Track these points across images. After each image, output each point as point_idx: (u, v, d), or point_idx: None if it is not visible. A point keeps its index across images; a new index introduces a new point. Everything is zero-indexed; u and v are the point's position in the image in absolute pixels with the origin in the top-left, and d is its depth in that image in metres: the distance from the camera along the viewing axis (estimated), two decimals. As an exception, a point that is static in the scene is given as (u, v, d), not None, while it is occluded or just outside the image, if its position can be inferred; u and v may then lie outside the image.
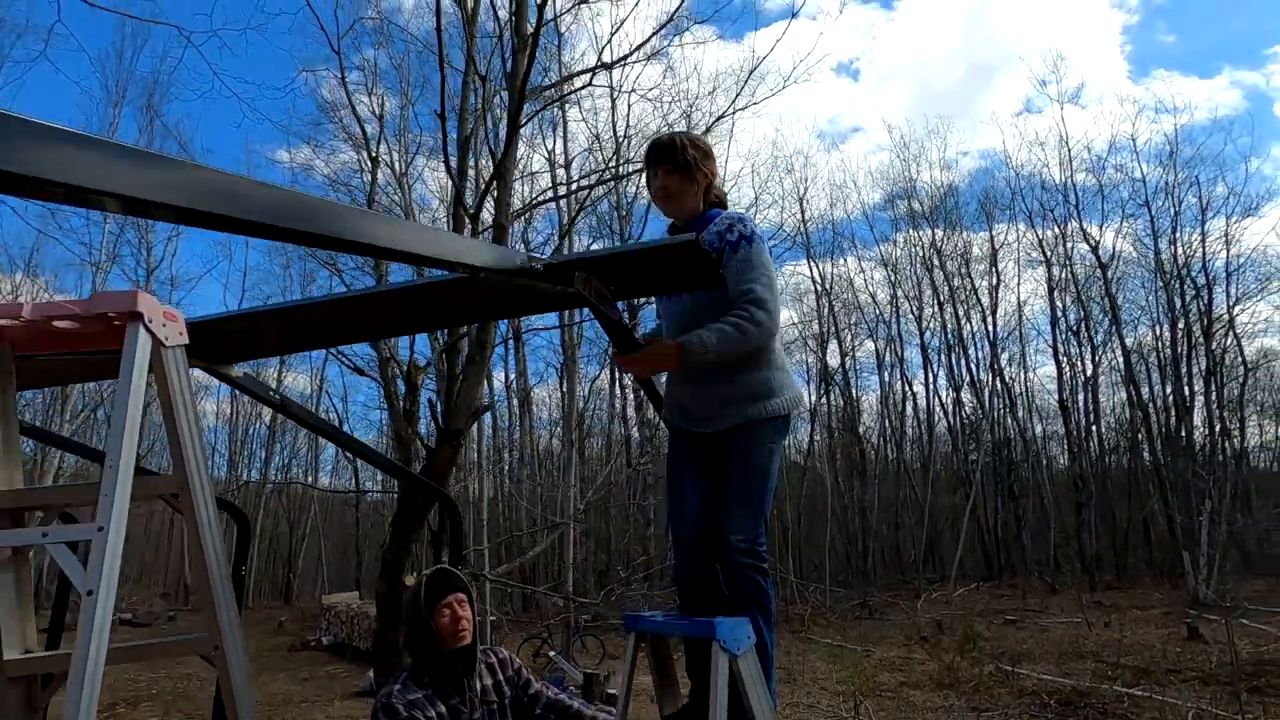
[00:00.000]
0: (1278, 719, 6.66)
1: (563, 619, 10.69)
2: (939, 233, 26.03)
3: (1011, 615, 14.39)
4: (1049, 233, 24.04)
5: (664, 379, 2.27)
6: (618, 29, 12.80)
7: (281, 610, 24.31)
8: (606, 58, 6.27)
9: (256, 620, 22.74)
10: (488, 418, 24.72)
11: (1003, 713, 7.46)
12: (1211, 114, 41.55)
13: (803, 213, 26.08)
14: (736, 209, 2.21)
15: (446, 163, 5.47)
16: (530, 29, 5.22)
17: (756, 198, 25.28)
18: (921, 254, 26.23)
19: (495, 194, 5.26)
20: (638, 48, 6.29)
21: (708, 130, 9.36)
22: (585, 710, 2.13)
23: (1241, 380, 20.84)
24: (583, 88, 7.58)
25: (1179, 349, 20.92)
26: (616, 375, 21.36)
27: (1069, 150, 23.32)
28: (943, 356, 26.38)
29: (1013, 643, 11.35)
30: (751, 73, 8.60)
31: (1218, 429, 19.94)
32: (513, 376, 23.12)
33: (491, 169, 5.41)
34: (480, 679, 2.07)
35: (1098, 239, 22.69)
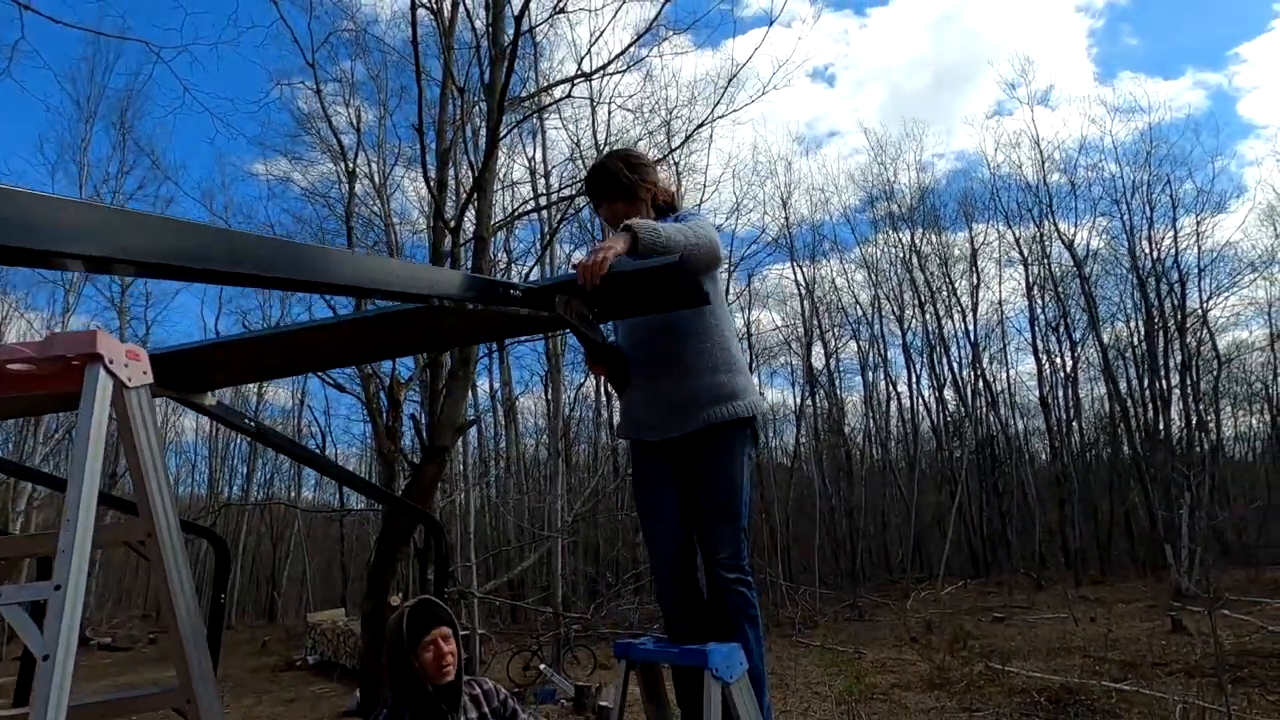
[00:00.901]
0: (1262, 709, 6.74)
1: (553, 633, 10.59)
2: (918, 233, 26.32)
3: (999, 612, 14.48)
4: (1026, 232, 24.40)
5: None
6: (596, 39, 12.74)
7: (266, 629, 23.93)
8: (586, 67, 6.25)
9: (240, 641, 22.35)
10: (473, 428, 24.56)
11: (994, 712, 7.48)
12: (1176, 113, 42.50)
13: (786, 217, 26.25)
14: (689, 207, 2.20)
15: (425, 177, 5.42)
16: (508, 40, 5.18)
17: (739, 203, 25.38)
18: (902, 254, 26.49)
19: (476, 206, 5.20)
20: (616, 57, 6.27)
21: (688, 138, 9.35)
22: None
23: (1215, 373, 21.22)
24: (563, 98, 7.56)
25: (1155, 344, 21.27)
26: (603, 382, 21.30)
27: (1041, 151, 23.69)
28: (924, 356, 26.64)
29: (1001, 640, 11.42)
30: (731, 80, 8.61)
31: (1194, 422, 20.24)
32: (497, 385, 23.01)
33: (471, 180, 5.36)
34: (465, 713, 2.01)
35: (1073, 237, 23.05)
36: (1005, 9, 44.10)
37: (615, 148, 3.04)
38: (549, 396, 18.44)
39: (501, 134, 4.99)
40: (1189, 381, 19.70)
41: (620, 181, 2.03)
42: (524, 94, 6.99)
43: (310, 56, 6.72)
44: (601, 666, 12.48)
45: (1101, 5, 42.41)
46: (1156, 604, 13.01)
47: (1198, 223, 20.83)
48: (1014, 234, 24.63)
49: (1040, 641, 11.03)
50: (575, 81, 6.22)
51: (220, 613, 3.28)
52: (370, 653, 4.79)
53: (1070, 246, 22.75)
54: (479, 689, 2.10)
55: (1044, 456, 26.69)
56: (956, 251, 26.60)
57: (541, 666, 11.04)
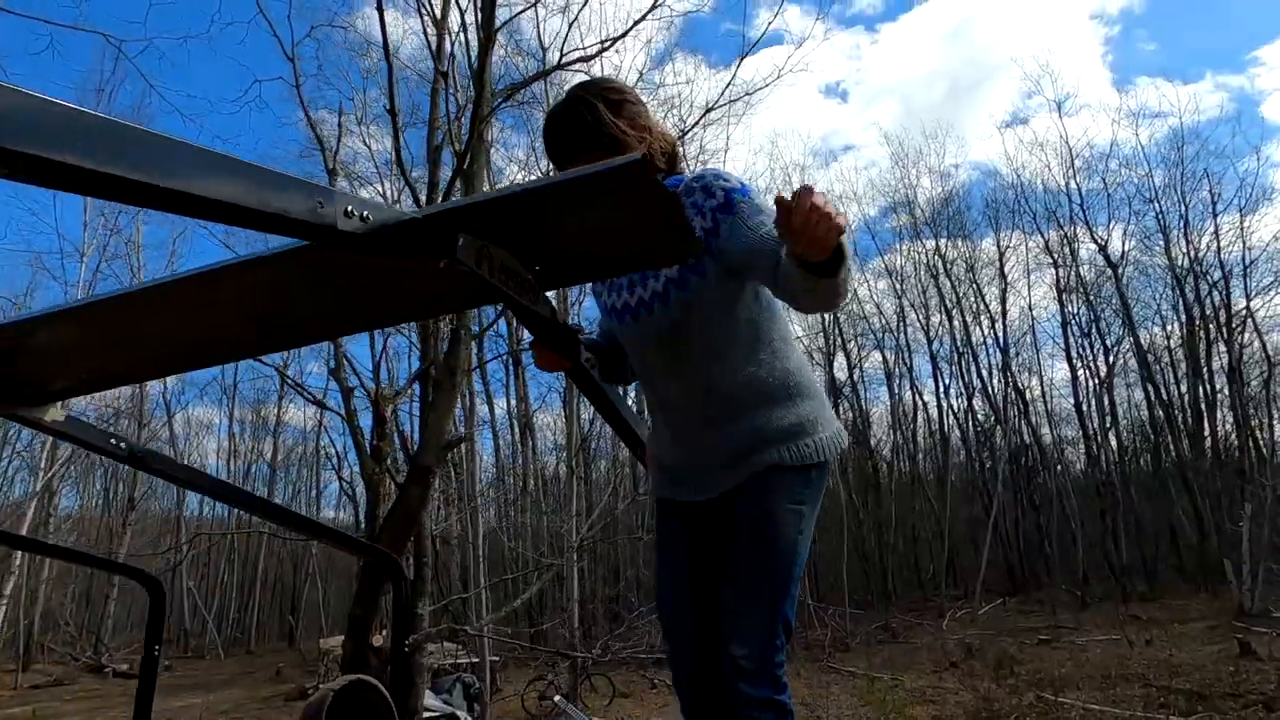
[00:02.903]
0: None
1: (569, 663, 10.02)
2: (942, 240, 25.59)
3: (1044, 634, 13.62)
4: (1054, 235, 23.56)
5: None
6: (576, 16, 12.32)
7: (284, 654, 23.58)
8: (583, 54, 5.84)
9: (258, 666, 22.03)
10: (488, 445, 24.16)
11: (1051, 752, 6.77)
12: (1201, 115, 41.58)
13: (803, 225, 25.67)
14: (703, 171, 1.47)
15: (398, 158, 5.00)
16: (498, 24, 4.79)
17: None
18: (926, 260, 25.75)
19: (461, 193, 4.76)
20: (616, 39, 5.86)
21: (697, 123, 8.77)
22: None
23: (1265, 376, 20.14)
24: (553, 68, 6.97)
25: (1196, 346, 20.28)
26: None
27: (1070, 148, 22.91)
28: (952, 365, 25.79)
29: (1050, 665, 10.61)
30: (742, 58, 8.05)
31: (1243, 426, 19.15)
32: (513, 403, 22.60)
33: (454, 169, 4.95)
34: None
35: (1105, 239, 22.19)
36: (1018, 19, 43.59)
37: (584, 80, 1.77)
38: (566, 413, 17.99)
39: (485, 113, 4.54)
40: (1236, 384, 18.66)
41: (602, 130, 1.37)
42: (518, 82, 6.60)
43: (290, 52, 6.39)
44: (621, 695, 11.86)
45: (1116, 12, 41.78)
46: (1218, 624, 12.09)
47: (1241, 217, 19.88)
48: (1043, 237, 23.82)
49: (1093, 667, 10.21)
50: (569, 66, 5.81)
51: (153, 666, 2.82)
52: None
53: (1104, 248, 21.89)
54: None
55: (1079, 466, 25.62)
56: (983, 257, 25.83)
57: (556, 698, 10.45)
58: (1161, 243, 21.09)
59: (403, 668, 2.22)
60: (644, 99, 1.54)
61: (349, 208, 0.72)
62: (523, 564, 13.86)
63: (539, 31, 10.98)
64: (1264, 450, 19.86)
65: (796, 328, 28.00)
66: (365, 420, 6.28)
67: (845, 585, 19.45)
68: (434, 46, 5.56)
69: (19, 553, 16.94)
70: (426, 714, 10.03)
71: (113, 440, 1.61)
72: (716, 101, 8.08)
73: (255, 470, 34.18)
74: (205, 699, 15.37)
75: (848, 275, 1.17)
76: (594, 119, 1.38)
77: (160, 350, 1.42)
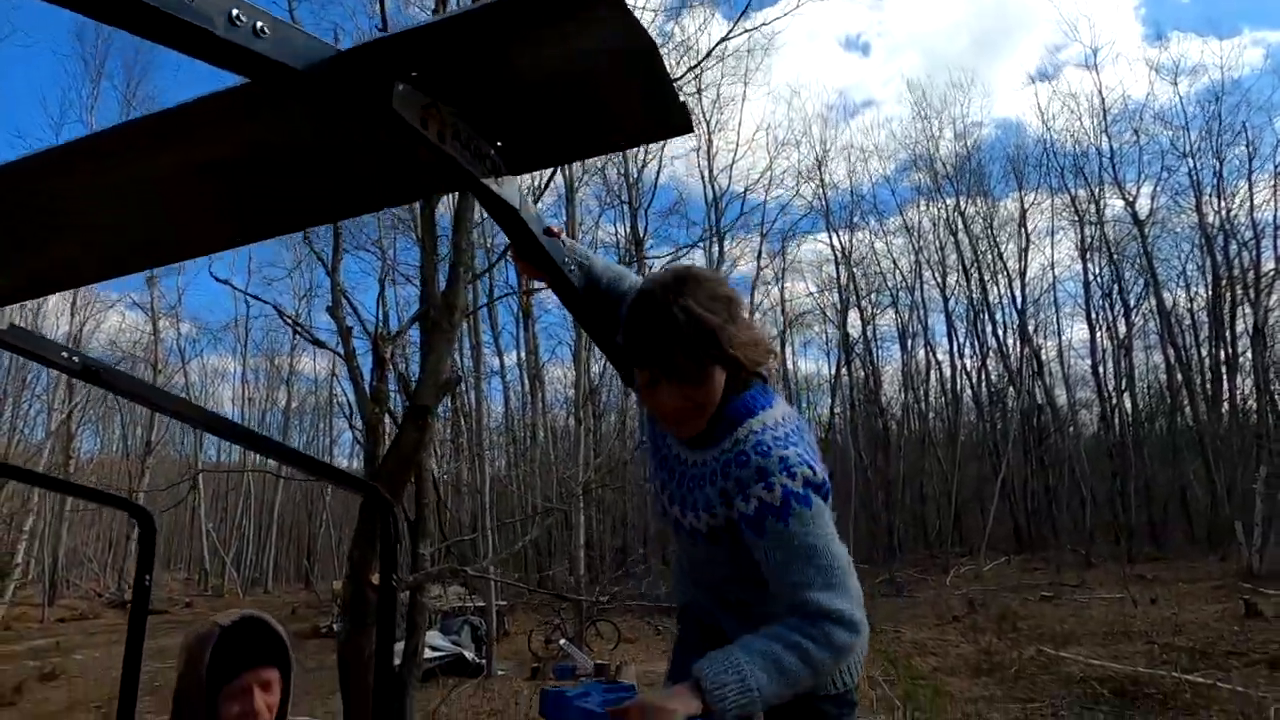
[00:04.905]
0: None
1: (574, 608, 10.17)
2: (963, 197, 24.90)
3: (1047, 591, 13.65)
4: (1081, 192, 22.85)
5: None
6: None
7: (299, 595, 24.26)
8: None
9: (274, 606, 22.67)
10: (498, 396, 24.26)
11: (1050, 704, 6.80)
12: (1240, 70, 39.63)
13: (821, 178, 25.08)
14: (768, 418, 1.20)
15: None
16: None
17: (771, 162, 24.31)
18: (945, 217, 25.13)
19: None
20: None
21: (707, 56, 8.26)
22: None
23: (1291, 339, 19.68)
24: None
25: (1221, 307, 19.79)
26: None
27: (1103, 98, 22.02)
28: (968, 324, 25.40)
29: (1052, 622, 10.65)
30: None
31: (1264, 391, 18.79)
32: (523, 355, 22.58)
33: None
34: None
35: (1134, 195, 21.49)
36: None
37: (678, 268, 1.23)
38: (576, 366, 17.92)
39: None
40: (1259, 346, 18.24)
41: (707, 348, 1.12)
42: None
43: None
44: (625, 640, 12.08)
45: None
46: (1224, 585, 12.04)
47: (1277, 175, 19.13)
48: (1070, 193, 23.09)
49: (1096, 624, 10.23)
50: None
51: (144, 594, 2.80)
52: (352, 643, 4.30)
53: (1132, 204, 21.23)
54: None
55: (1093, 429, 25.39)
56: (1004, 213, 25.17)
57: (562, 642, 10.66)
58: (1193, 200, 20.41)
59: (389, 603, 2.15)
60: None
61: (235, 11, 0.58)
62: (530, 510, 13.99)
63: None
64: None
65: (810, 285, 27.61)
66: (371, 372, 6.19)
67: (851, 541, 19.45)
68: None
69: (37, 493, 17.33)
70: (435, 653, 10.28)
71: (64, 354, 1.51)
72: (731, 31, 7.70)
73: (270, 418, 34.67)
74: (223, 635, 15.80)
75: (748, 701, 1.02)
76: (690, 344, 1.12)
77: (94, 238, 1.29)
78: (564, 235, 1.31)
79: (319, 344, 6.55)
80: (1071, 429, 23.81)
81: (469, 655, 10.59)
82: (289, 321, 6.58)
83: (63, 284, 1.52)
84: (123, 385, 1.57)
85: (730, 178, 23.31)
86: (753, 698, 1.01)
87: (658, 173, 22.91)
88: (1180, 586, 12.71)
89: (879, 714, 5.84)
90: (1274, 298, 19.40)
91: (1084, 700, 6.77)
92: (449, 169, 0.92)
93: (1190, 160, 20.54)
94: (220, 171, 1.03)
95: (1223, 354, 19.86)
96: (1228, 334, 19.86)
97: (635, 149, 22.00)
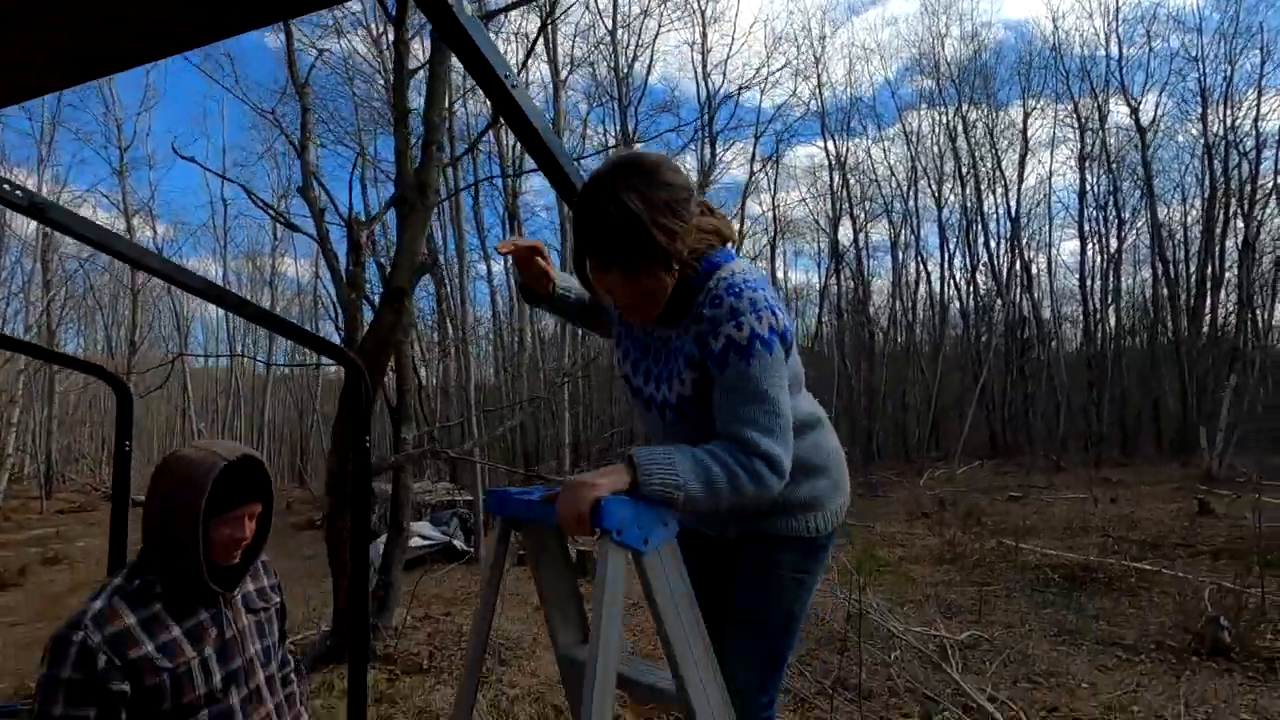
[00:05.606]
0: (1295, 593, 6.33)
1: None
2: (965, 103, 24.08)
3: (1015, 492, 14.23)
4: (1085, 99, 22.13)
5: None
6: None
7: (294, 493, 24.94)
8: None
9: (270, 501, 23.34)
10: (486, 302, 24.13)
11: (1004, 587, 7.23)
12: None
13: (819, 79, 24.12)
14: (735, 266, 1.26)
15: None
16: None
17: (768, 57, 23.32)
18: (945, 122, 24.41)
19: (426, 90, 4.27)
20: None
21: None
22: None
23: (1278, 255, 19.70)
24: None
25: (1214, 220, 19.66)
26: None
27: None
28: (960, 235, 25.18)
29: (1016, 519, 11.15)
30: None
31: (1246, 306, 18.98)
32: (511, 261, 22.29)
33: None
34: (241, 585, 1.51)
35: (1139, 103, 20.86)
36: None
37: (621, 155, 1.25)
38: (564, 268, 17.73)
39: None
40: (1247, 260, 18.26)
41: (639, 240, 1.14)
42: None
43: None
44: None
45: None
46: (1183, 487, 12.59)
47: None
48: (1073, 100, 22.37)
49: (1057, 521, 10.74)
50: None
51: (125, 460, 2.87)
52: (335, 519, 4.46)
53: (1135, 110, 20.65)
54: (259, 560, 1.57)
55: (1076, 342, 25.75)
56: (1005, 120, 24.45)
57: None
58: (1199, 108, 19.86)
59: (362, 463, 2.23)
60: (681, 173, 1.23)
61: None
62: (513, 399, 14.26)
63: None
64: (1260, 329, 19.84)
65: (803, 191, 27.07)
66: (346, 256, 6.09)
67: (831, 445, 20.14)
68: None
69: (21, 383, 17.33)
70: (425, 542, 10.72)
71: (7, 186, 1.46)
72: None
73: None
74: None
75: (670, 488, 1.09)
76: (633, 225, 1.14)
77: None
78: (552, 268, 1.49)
79: (294, 228, 6.38)
80: (1054, 342, 24.13)
81: (458, 544, 11.03)
82: (260, 204, 6.37)
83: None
84: (74, 227, 1.52)
85: (725, 74, 22.38)
86: (678, 483, 1.09)
87: (649, 67, 21.93)
88: (1142, 488, 13.28)
89: (836, 586, 6.18)
90: (1268, 210, 19.32)
91: (1036, 584, 7.19)
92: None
93: (1200, 65, 19.85)
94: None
95: (1210, 269, 19.90)
96: (1217, 249, 19.83)
97: (626, 38, 20.93)
